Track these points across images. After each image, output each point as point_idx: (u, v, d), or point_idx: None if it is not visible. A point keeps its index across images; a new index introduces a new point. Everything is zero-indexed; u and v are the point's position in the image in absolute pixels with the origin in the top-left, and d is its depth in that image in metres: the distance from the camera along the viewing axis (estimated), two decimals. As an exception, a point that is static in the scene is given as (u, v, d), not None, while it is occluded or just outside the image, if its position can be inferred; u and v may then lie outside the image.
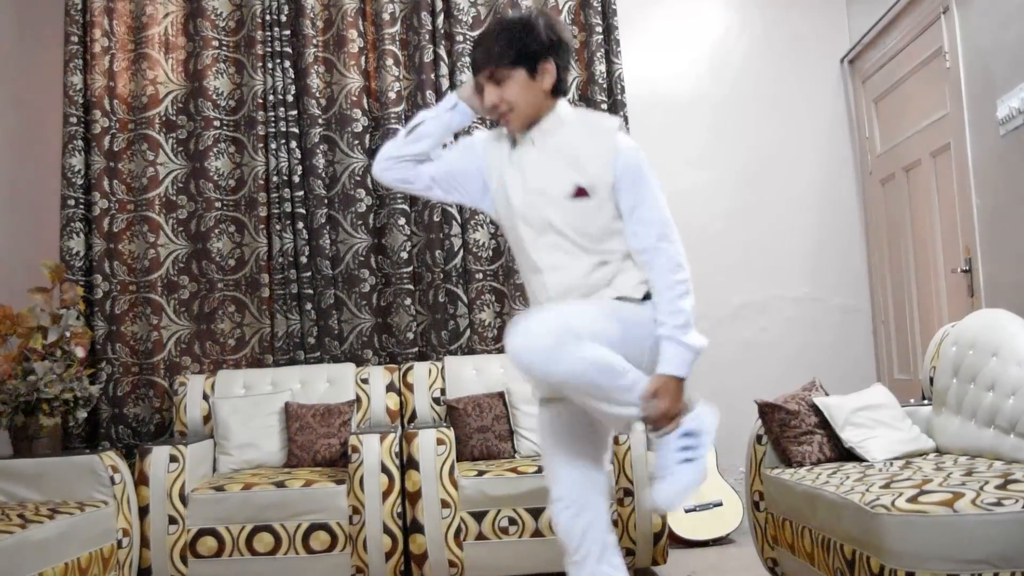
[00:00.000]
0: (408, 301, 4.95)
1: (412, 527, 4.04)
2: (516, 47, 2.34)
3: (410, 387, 4.70)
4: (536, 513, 3.96)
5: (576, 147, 2.38)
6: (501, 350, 4.96)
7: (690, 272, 2.36)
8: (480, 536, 3.99)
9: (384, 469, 4.03)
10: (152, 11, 5.02)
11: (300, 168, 4.98)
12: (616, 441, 4.09)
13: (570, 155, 2.37)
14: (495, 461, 4.31)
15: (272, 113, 4.97)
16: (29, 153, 5.03)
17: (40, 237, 4.93)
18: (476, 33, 2.35)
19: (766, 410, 3.69)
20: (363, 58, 5.10)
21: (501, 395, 4.54)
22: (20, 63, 5.07)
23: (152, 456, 4.07)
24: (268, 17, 5.02)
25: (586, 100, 5.13)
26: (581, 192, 2.35)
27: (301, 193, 4.96)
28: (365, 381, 4.70)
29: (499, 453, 4.38)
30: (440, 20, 5.07)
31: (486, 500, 4.00)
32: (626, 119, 5.10)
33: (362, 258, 4.97)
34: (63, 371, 4.35)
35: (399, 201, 4.97)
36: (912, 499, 2.53)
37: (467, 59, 2.21)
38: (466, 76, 5.05)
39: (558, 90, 2.42)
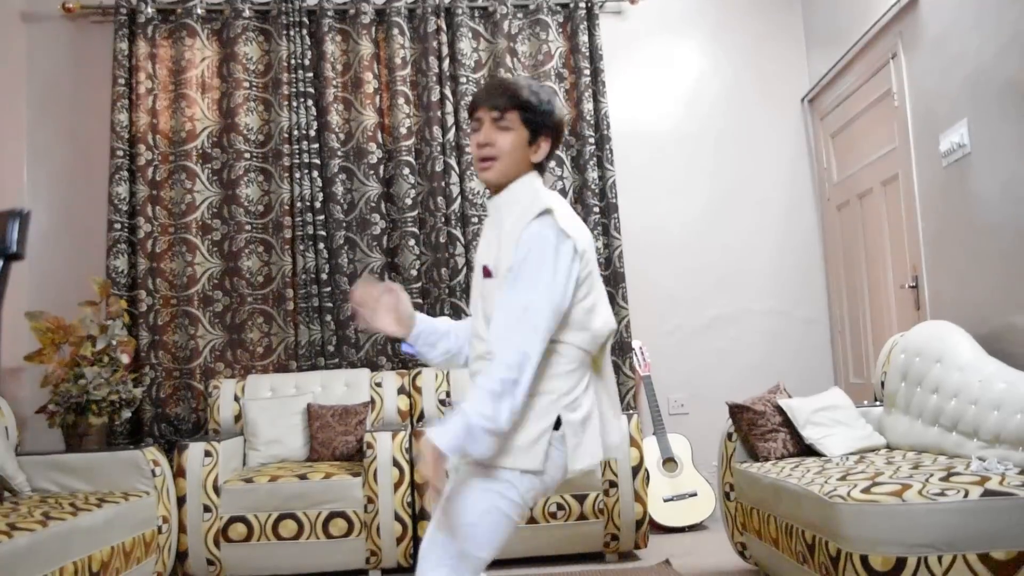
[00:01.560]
0: (417, 313, 4.95)
1: (420, 515, 4.03)
2: (534, 111, 2.05)
3: (419, 390, 4.70)
4: (531, 502, 3.95)
5: (502, 225, 2.04)
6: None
7: (526, 380, 1.86)
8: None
9: (395, 463, 4.03)
10: (190, 56, 5.04)
11: (321, 195, 4.99)
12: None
13: (498, 232, 2.05)
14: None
15: (296, 146, 4.99)
16: (80, 182, 5.04)
17: (89, 257, 4.93)
18: (496, 79, 1.96)
19: (736, 411, 3.70)
20: (378, 97, 5.12)
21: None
22: (73, 102, 5.09)
23: (189, 451, 4.07)
24: (293, 61, 5.05)
25: (575, 136, 5.15)
26: (487, 272, 2.04)
27: (322, 217, 4.97)
28: (379, 385, 4.70)
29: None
30: (446, 64, 5.11)
31: (487, 491, 4.00)
32: (611, 152, 5.12)
33: (377, 275, 4.97)
34: (110, 375, 4.36)
35: (410, 225, 4.98)
36: (865, 490, 2.54)
37: (473, 91, 1.86)
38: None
39: (539, 167, 2.11)
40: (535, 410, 1.92)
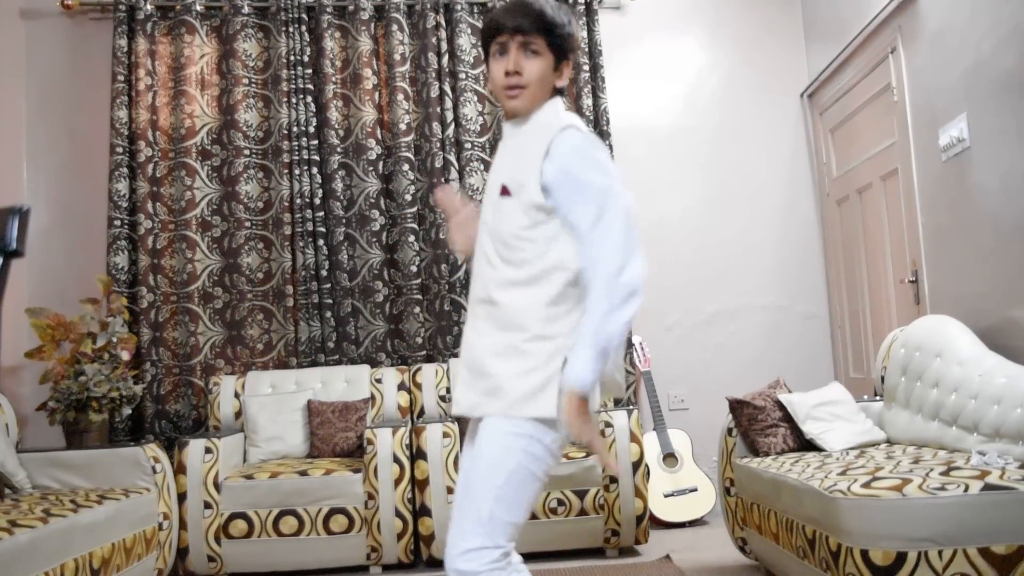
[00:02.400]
0: (417, 309, 4.96)
1: (421, 511, 4.03)
2: (560, 34, 1.96)
3: (419, 386, 4.70)
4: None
5: (525, 144, 1.97)
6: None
7: (641, 269, 1.83)
8: (482, 519, 3.98)
9: (396, 459, 4.03)
10: (190, 53, 5.03)
11: (321, 191, 4.99)
12: (602, 434, 4.09)
13: (518, 152, 1.97)
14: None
15: (296, 143, 4.98)
16: (80, 179, 5.03)
17: (89, 253, 4.93)
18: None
19: (736, 406, 3.70)
20: (377, 94, 5.11)
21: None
22: (72, 99, 5.08)
23: (189, 448, 4.07)
24: (292, 57, 5.04)
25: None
26: (505, 190, 1.94)
27: (322, 214, 4.97)
28: (379, 381, 4.70)
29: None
30: (445, 60, 5.10)
31: (487, 487, 4.00)
32: (610, 148, 5.12)
33: (376, 271, 4.97)
34: (110, 372, 4.36)
35: (409, 221, 4.98)
36: (866, 484, 2.54)
37: (490, 27, 1.88)
38: (468, 108, 5.07)
39: (559, 90, 2.04)
40: (544, 355, 1.86)
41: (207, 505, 4.01)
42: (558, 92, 2.04)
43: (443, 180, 4.99)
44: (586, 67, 5.17)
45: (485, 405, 1.89)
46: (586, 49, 5.18)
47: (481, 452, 1.89)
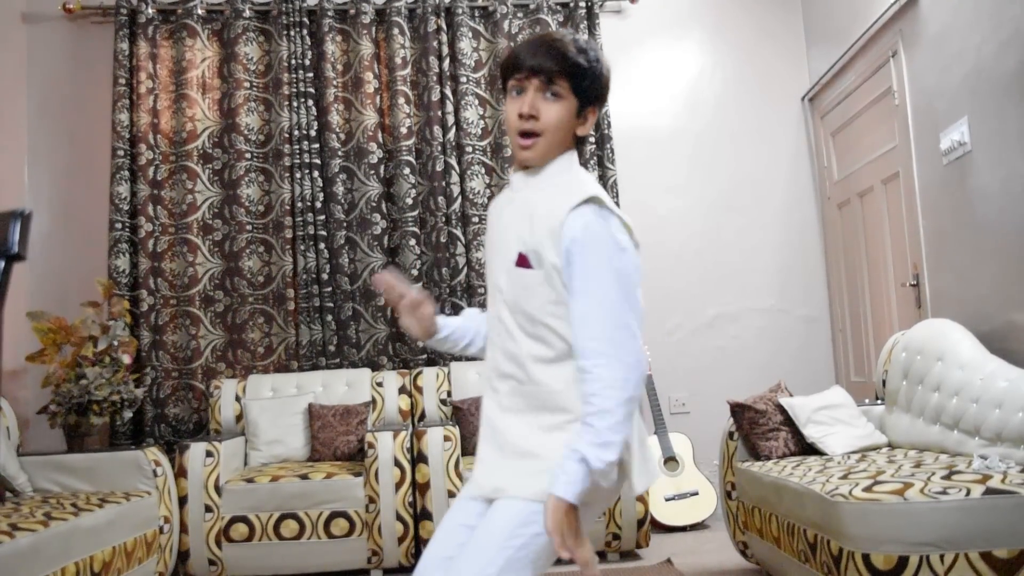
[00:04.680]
0: (418, 313, 4.95)
1: (422, 515, 4.03)
2: (588, 77, 1.76)
3: (420, 390, 4.70)
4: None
5: (537, 205, 1.75)
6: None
7: (635, 392, 1.65)
8: (483, 522, 3.98)
9: (397, 463, 4.02)
10: (191, 56, 5.04)
11: (322, 195, 4.99)
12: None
13: (529, 215, 1.75)
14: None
15: (297, 146, 4.99)
16: (81, 182, 5.04)
17: (90, 257, 4.93)
18: (543, 34, 1.84)
19: (737, 409, 3.69)
20: (378, 97, 5.11)
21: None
22: (74, 103, 5.09)
23: (190, 451, 4.07)
24: (293, 61, 5.05)
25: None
26: (523, 261, 1.74)
27: (323, 217, 4.97)
28: (380, 384, 4.70)
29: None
30: (446, 64, 5.10)
31: (488, 490, 4.00)
32: (612, 151, 5.12)
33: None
34: (111, 376, 4.36)
35: (410, 225, 4.98)
36: (867, 488, 2.53)
37: (515, 59, 1.71)
38: (469, 112, 5.08)
39: (581, 141, 1.84)
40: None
41: (208, 508, 4.01)
42: (579, 142, 1.83)
43: (444, 184, 4.99)
44: (587, 71, 5.16)
45: (529, 486, 1.69)
46: (587, 53, 5.18)
47: (494, 521, 1.71)
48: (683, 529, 4.73)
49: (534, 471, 1.69)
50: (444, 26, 5.15)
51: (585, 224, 1.67)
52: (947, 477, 2.56)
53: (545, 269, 1.71)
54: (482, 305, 4.95)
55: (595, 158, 5.12)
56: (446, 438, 4.06)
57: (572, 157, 1.81)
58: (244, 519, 4.00)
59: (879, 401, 3.80)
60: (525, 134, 1.75)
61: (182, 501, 4.00)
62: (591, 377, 1.64)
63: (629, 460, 1.74)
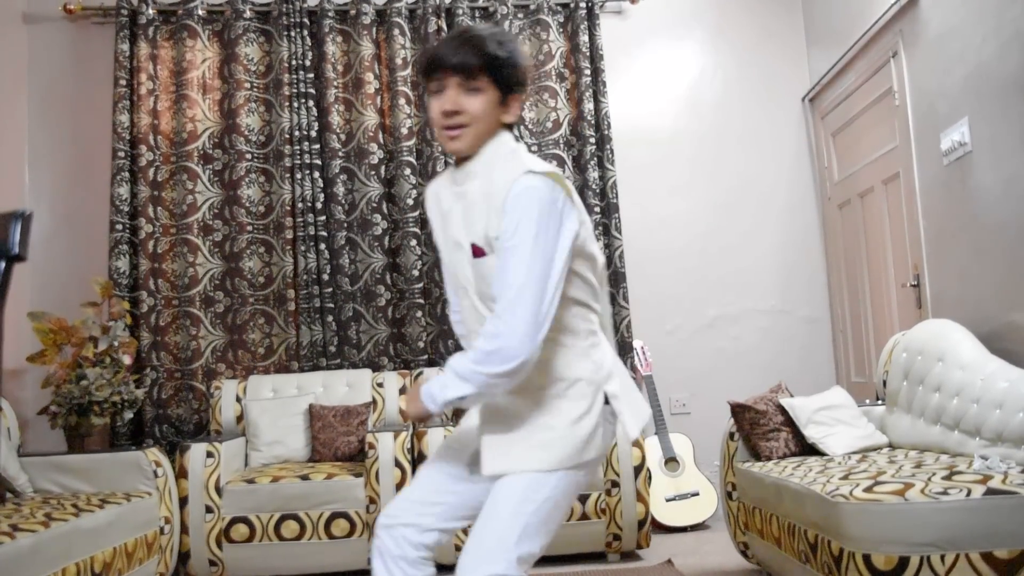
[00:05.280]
0: (419, 314, 4.96)
1: (423, 515, 4.03)
2: (505, 67, 1.84)
3: (421, 390, 4.69)
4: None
5: (482, 193, 1.84)
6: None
7: (517, 367, 1.74)
8: (483, 523, 3.97)
9: (397, 463, 4.02)
10: (191, 57, 5.04)
11: (323, 196, 4.99)
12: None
13: (474, 204, 1.85)
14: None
15: (297, 147, 4.99)
16: (82, 183, 5.04)
17: (91, 257, 4.93)
18: (457, 31, 1.91)
19: (738, 410, 3.69)
20: (379, 98, 5.11)
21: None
22: (74, 103, 5.09)
23: (191, 452, 4.07)
24: (294, 62, 5.05)
25: (576, 136, 5.15)
26: (477, 251, 1.84)
27: (324, 218, 4.97)
28: (381, 385, 4.70)
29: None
30: (447, 64, 5.10)
31: (489, 491, 3.99)
32: (612, 152, 5.12)
33: (378, 275, 4.97)
34: (112, 376, 4.36)
35: (411, 225, 4.98)
36: (868, 489, 2.53)
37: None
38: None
39: (510, 127, 1.92)
40: (589, 397, 1.85)
41: (208, 509, 4.01)
42: (507, 128, 1.90)
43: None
44: (588, 71, 5.17)
45: (535, 459, 1.82)
46: (588, 53, 5.19)
47: (505, 492, 1.82)
48: (684, 530, 4.73)
49: (538, 444, 1.82)
50: (445, 27, 5.15)
51: (525, 187, 1.75)
52: (948, 478, 2.56)
53: (497, 250, 1.78)
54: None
55: (595, 159, 5.12)
56: (447, 438, 4.05)
57: (506, 138, 1.88)
58: (245, 520, 4.00)
59: (880, 402, 3.80)
60: (451, 127, 1.83)
61: (183, 502, 4.00)
62: (490, 329, 1.75)
63: (619, 408, 1.89)
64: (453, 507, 1.98)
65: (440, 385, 1.81)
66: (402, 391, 4.66)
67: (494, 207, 1.79)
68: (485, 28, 1.86)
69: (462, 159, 1.89)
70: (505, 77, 1.83)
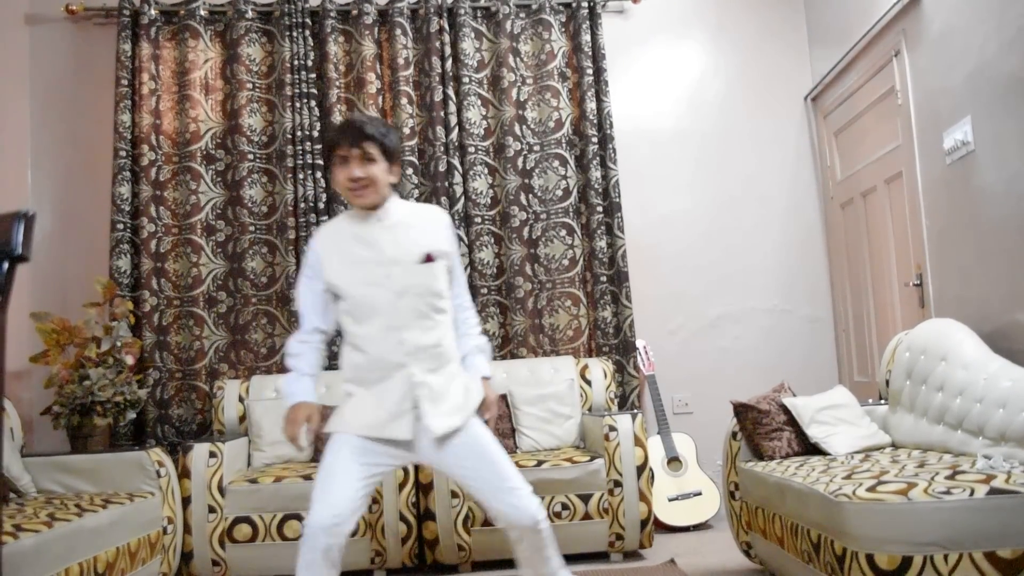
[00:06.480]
0: (421, 313, 4.95)
1: (425, 515, 4.03)
2: (391, 142, 2.57)
3: (423, 390, 4.69)
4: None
5: (416, 224, 2.64)
6: (504, 357, 4.97)
7: None
8: (486, 523, 3.98)
9: (400, 463, 4.02)
10: (193, 57, 5.05)
11: (325, 196, 4.99)
12: (606, 438, 4.09)
13: (413, 230, 2.61)
14: (499, 456, 4.31)
15: (300, 147, 4.99)
16: (84, 183, 5.04)
17: (93, 258, 4.94)
18: (360, 117, 2.68)
19: (740, 410, 3.69)
20: (380, 98, 5.12)
21: (504, 397, 4.54)
22: (76, 104, 5.09)
23: (194, 452, 4.07)
24: (296, 62, 5.05)
25: (578, 135, 5.15)
26: (429, 258, 2.57)
27: (326, 218, 4.97)
28: (383, 385, 4.69)
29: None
30: (448, 64, 5.10)
31: (491, 491, 4.00)
32: (614, 151, 5.12)
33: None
34: (115, 377, 4.36)
35: (413, 224, 4.98)
36: (871, 488, 2.53)
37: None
38: (472, 112, 5.08)
39: (394, 187, 2.65)
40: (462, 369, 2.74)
41: (211, 509, 4.01)
42: (394, 187, 2.66)
43: (447, 184, 5.00)
44: (589, 71, 5.17)
45: (463, 417, 2.58)
46: (590, 53, 5.19)
47: (485, 436, 2.60)
48: (686, 529, 4.73)
49: (464, 404, 2.60)
50: (446, 27, 5.15)
51: (450, 224, 2.73)
52: (951, 477, 2.55)
53: (445, 258, 2.63)
54: (489, 304, 4.96)
55: (597, 159, 5.12)
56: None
57: (394, 195, 2.67)
58: (247, 520, 4.00)
59: (882, 401, 3.80)
60: (358, 188, 2.53)
61: (185, 502, 4.00)
62: (472, 319, 2.80)
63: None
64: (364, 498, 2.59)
65: (490, 369, 2.77)
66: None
67: (436, 231, 2.66)
68: (372, 119, 2.61)
69: (366, 209, 2.62)
70: (387, 149, 2.57)
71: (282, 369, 4.90)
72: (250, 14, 5.09)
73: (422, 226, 2.63)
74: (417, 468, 4.04)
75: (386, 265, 2.55)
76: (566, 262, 5.10)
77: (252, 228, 4.97)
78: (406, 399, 2.53)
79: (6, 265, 1.38)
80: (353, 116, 2.67)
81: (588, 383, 4.72)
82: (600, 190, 5.11)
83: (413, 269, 2.55)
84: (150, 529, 3.70)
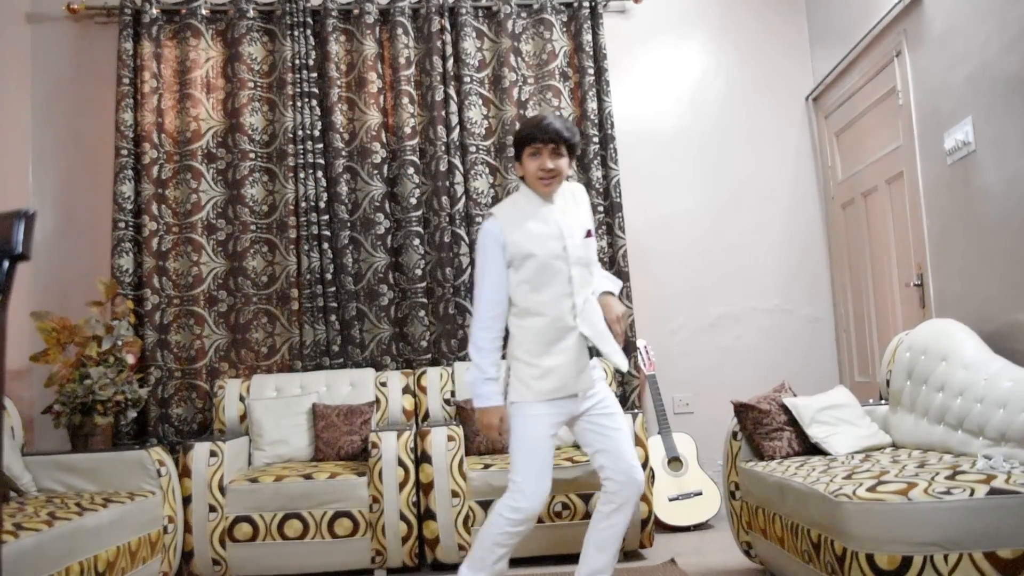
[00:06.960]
0: (422, 313, 4.96)
1: (426, 514, 4.03)
2: (576, 141, 3.01)
3: (424, 389, 4.70)
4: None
5: (576, 204, 3.07)
6: (504, 357, 4.95)
7: None
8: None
9: (400, 463, 4.03)
10: (195, 56, 5.05)
11: (326, 195, 4.99)
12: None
13: (576, 209, 3.05)
14: (499, 455, 4.31)
15: (301, 146, 4.99)
16: (85, 182, 5.05)
17: (94, 256, 4.94)
18: (551, 118, 3.02)
19: (741, 410, 3.69)
20: (381, 97, 5.12)
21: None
22: (78, 103, 5.10)
23: (194, 451, 4.08)
24: (297, 61, 5.05)
25: (580, 134, 5.14)
26: (590, 233, 3.01)
27: (327, 217, 4.98)
28: (384, 384, 4.70)
29: (503, 448, 4.38)
30: (450, 64, 5.10)
31: (492, 490, 4.00)
32: (615, 151, 5.12)
33: (381, 275, 4.98)
34: (115, 376, 4.36)
35: (414, 224, 4.99)
36: (871, 488, 2.53)
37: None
38: (473, 112, 5.08)
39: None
40: None
41: (212, 508, 4.02)
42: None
43: (448, 184, 5.00)
44: (591, 71, 5.17)
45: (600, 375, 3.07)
46: (591, 53, 5.19)
47: (616, 404, 3.05)
48: (687, 529, 4.73)
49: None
50: (448, 26, 5.16)
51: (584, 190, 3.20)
52: (951, 477, 2.55)
53: (593, 239, 3.07)
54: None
55: (598, 158, 5.12)
56: (450, 438, 4.06)
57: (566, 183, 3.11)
58: (248, 519, 4.00)
59: (883, 401, 3.80)
60: (547, 179, 2.96)
61: (186, 501, 4.01)
62: (608, 272, 3.44)
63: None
64: None
65: (614, 285, 3.17)
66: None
67: (583, 213, 3.07)
68: (567, 122, 3.03)
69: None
70: (573, 148, 3.02)
71: (282, 368, 4.91)
72: (251, 13, 5.09)
73: (579, 206, 3.06)
74: (417, 468, 4.04)
75: (562, 238, 2.94)
76: (567, 262, 5.09)
77: (253, 227, 4.97)
78: (582, 354, 2.92)
79: (7, 264, 1.38)
80: (546, 115, 3.00)
81: (589, 383, 4.72)
82: (601, 190, 5.11)
83: (581, 243, 2.97)
84: (151, 528, 3.71)
